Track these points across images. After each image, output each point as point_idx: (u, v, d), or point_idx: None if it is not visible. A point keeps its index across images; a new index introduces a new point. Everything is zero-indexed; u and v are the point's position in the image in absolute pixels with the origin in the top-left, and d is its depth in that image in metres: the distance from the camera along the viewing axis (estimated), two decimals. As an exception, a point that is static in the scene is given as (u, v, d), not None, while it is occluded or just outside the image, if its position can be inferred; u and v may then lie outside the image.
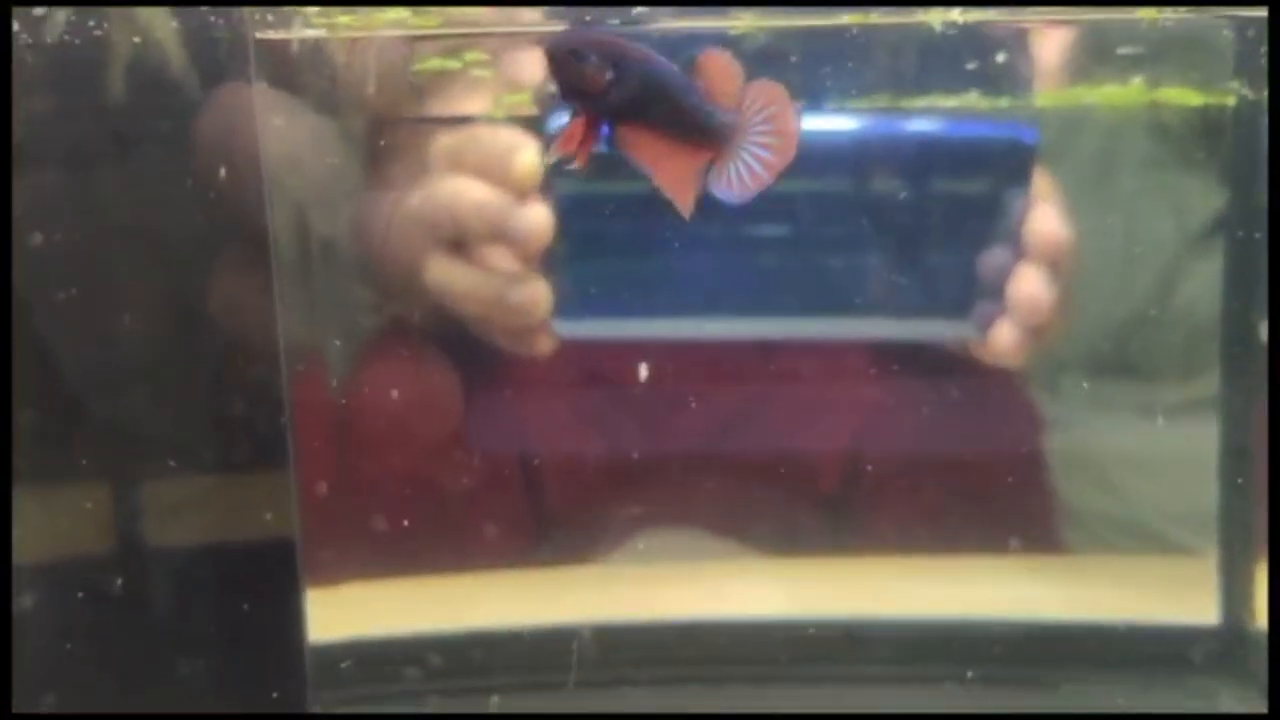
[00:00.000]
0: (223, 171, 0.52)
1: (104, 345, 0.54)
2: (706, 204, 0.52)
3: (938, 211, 0.54)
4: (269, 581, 0.56)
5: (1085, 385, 0.59)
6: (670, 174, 0.44)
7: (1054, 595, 0.63)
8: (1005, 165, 0.53)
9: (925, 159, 0.53)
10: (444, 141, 0.55)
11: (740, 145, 0.44)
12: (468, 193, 0.54)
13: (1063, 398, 0.60)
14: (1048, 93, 0.55)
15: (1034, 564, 0.64)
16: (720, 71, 0.44)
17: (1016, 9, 0.54)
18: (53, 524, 0.55)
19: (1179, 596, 0.62)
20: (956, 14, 0.51)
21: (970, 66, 0.54)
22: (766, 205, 0.52)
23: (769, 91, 0.43)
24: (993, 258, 0.53)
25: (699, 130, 0.44)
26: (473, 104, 0.55)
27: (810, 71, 0.54)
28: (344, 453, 0.60)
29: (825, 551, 0.64)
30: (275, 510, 0.56)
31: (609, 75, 0.44)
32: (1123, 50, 0.55)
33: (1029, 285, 0.53)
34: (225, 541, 0.56)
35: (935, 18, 0.51)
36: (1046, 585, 0.63)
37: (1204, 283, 0.59)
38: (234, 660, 0.56)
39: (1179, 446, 0.61)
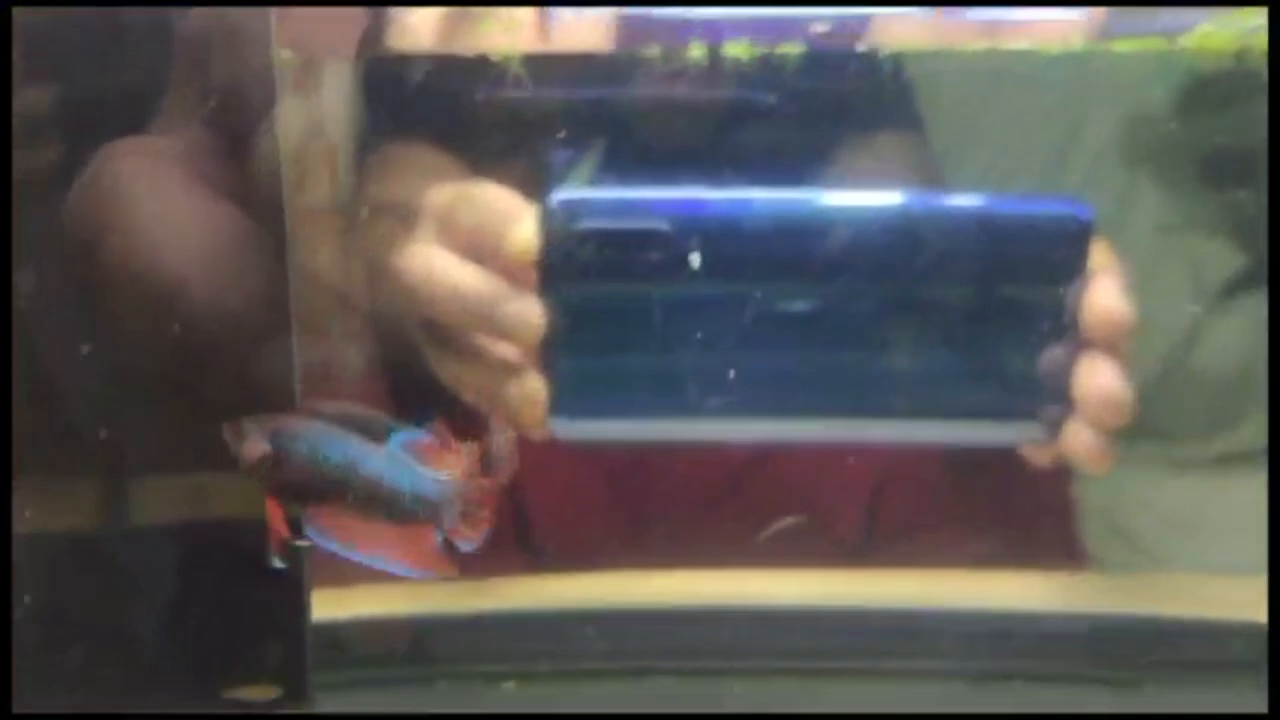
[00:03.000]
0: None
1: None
2: (727, 290, 0.46)
3: (985, 300, 0.46)
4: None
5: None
6: None
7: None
8: (1058, 245, 0.45)
9: (966, 241, 0.45)
10: (435, 199, 0.48)
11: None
12: (451, 277, 0.47)
13: None
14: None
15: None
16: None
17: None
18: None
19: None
20: None
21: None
22: (787, 293, 0.45)
23: None
24: (1055, 348, 0.45)
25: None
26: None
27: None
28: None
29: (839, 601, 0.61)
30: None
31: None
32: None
33: (1102, 378, 0.44)
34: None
35: None
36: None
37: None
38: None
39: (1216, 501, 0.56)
